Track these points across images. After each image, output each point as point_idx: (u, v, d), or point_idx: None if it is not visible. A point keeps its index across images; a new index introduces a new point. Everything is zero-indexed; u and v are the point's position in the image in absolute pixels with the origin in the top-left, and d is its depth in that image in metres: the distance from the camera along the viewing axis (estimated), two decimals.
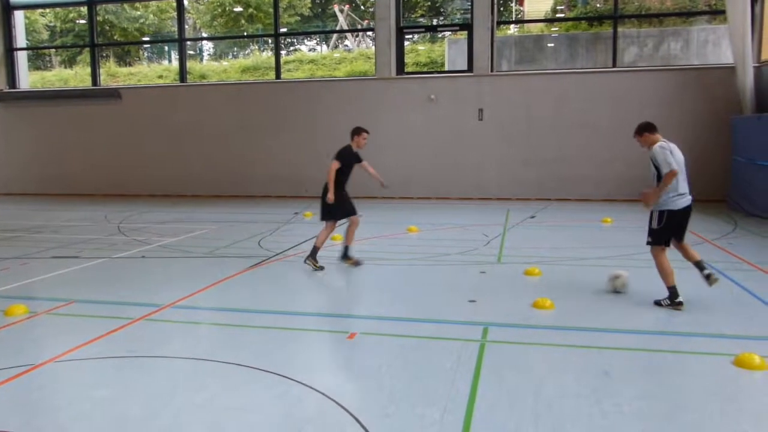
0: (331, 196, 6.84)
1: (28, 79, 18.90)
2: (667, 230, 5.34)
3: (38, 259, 7.80)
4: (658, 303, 5.39)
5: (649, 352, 4.25)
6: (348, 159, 7.15)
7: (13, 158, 17.81)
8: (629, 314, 5.17)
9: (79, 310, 5.47)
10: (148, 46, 30.26)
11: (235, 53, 29.23)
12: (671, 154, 5.25)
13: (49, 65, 29.13)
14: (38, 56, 28.44)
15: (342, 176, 7.06)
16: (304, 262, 7.06)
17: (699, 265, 5.46)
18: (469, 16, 14.96)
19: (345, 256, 7.18)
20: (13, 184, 17.84)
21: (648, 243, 5.45)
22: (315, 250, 7.03)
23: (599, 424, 3.19)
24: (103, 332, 4.75)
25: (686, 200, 5.35)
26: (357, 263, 7.12)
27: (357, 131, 7.36)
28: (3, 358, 4.24)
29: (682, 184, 5.30)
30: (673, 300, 5.32)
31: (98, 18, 19.40)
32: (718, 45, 17.67)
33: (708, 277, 5.37)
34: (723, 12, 13.68)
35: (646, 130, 5.61)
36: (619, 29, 15.38)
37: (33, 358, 4.23)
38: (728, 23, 12.67)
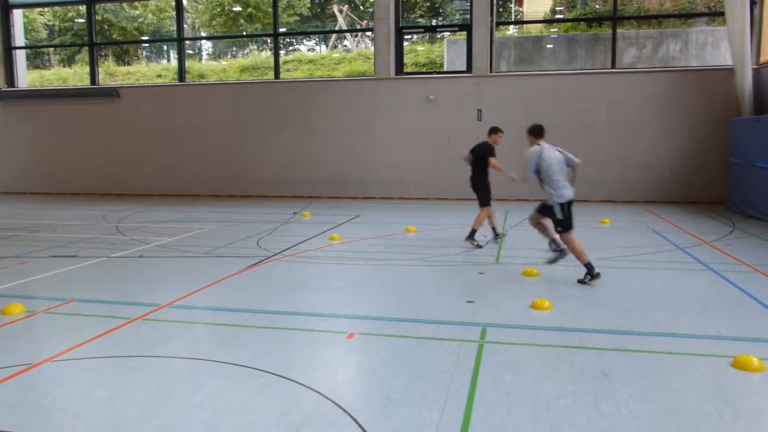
0: (513, 175, 7.79)
1: (26, 77, 18.90)
2: (569, 217, 6.20)
3: (37, 258, 7.79)
4: (581, 281, 6.16)
5: (647, 354, 4.25)
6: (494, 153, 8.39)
7: (11, 157, 17.79)
8: (627, 315, 5.18)
9: (77, 309, 5.46)
10: (147, 45, 30.23)
11: (234, 53, 29.22)
12: (541, 155, 6.25)
13: (47, 64, 29.10)
14: (37, 55, 28.39)
15: (486, 167, 8.31)
16: (466, 240, 8.25)
17: (555, 243, 6.45)
18: (468, 16, 14.97)
19: (471, 236, 8.26)
20: (12, 182, 17.82)
21: (559, 232, 6.29)
22: (473, 232, 8.23)
23: (597, 425, 3.19)
24: (101, 332, 4.75)
25: (570, 193, 6.20)
26: (479, 246, 8.22)
27: (495, 130, 8.58)
28: (0, 357, 4.23)
29: (562, 180, 6.20)
30: (592, 273, 6.12)
31: (97, 17, 19.38)
32: (717, 47, 17.71)
33: (560, 253, 6.40)
34: (722, 14, 13.71)
35: (533, 134, 6.61)
36: (618, 30, 15.41)
37: (31, 357, 4.22)
38: (727, 25, 12.70)
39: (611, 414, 3.32)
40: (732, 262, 7.26)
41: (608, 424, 3.21)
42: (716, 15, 17.61)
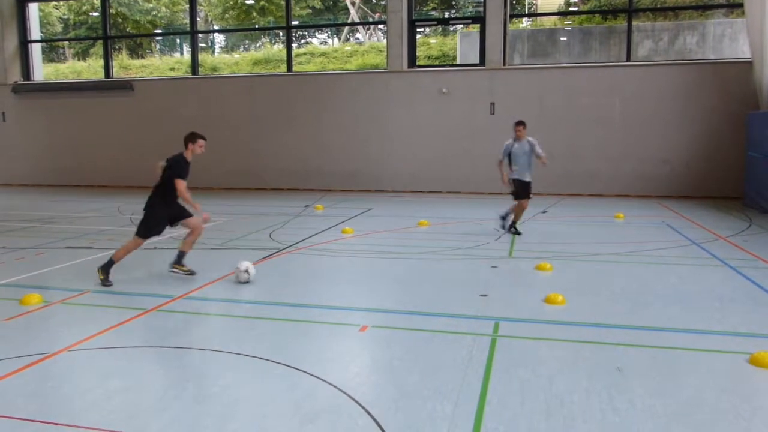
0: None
1: (42, 71, 19.05)
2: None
3: (53, 249, 7.88)
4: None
5: (662, 349, 4.22)
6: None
7: (27, 150, 17.98)
8: (642, 310, 5.14)
9: (92, 300, 5.52)
10: (161, 38, 30.35)
11: (246, 46, 29.24)
12: None
13: (62, 57, 29.32)
14: (52, 49, 28.61)
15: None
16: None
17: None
18: (481, 9, 14.86)
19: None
20: (28, 175, 18.02)
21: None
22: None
23: (611, 421, 3.17)
24: (116, 322, 4.80)
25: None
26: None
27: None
28: (18, 346, 4.29)
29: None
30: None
31: (111, 10, 19.48)
32: (735, 39, 17.42)
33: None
34: (740, 5, 13.49)
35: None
36: (634, 23, 15.21)
37: (47, 347, 4.27)
38: (746, 17, 12.49)
39: (625, 410, 3.29)
40: (749, 257, 7.17)
41: (622, 420, 3.19)
42: (734, 6, 17.29)
